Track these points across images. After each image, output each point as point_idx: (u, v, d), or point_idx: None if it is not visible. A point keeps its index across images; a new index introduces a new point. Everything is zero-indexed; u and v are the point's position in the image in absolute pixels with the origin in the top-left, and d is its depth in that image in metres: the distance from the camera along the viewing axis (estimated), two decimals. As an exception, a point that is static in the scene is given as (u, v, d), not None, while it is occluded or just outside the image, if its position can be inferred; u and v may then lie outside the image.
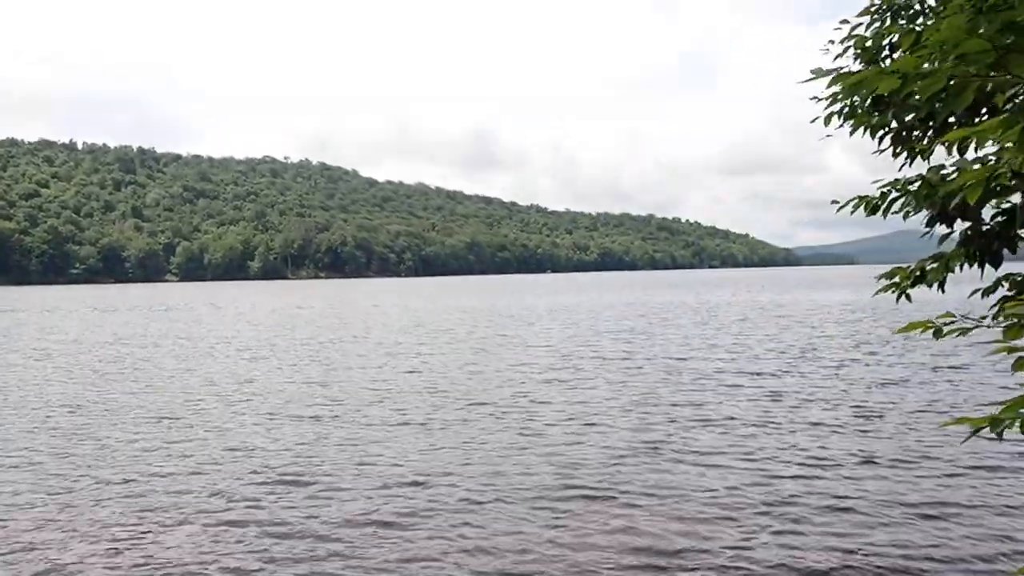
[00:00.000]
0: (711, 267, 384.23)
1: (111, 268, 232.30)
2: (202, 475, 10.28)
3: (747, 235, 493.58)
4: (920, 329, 4.28)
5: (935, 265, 5.33)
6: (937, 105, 3.58)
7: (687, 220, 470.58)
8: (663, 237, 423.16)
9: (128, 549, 7.70)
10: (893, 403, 14.10)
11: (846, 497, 8.65)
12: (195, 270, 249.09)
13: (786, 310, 43.62)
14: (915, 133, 5.65)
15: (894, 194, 4.96)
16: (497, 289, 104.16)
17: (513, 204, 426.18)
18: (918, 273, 5.39)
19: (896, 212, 5.27)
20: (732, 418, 13.12)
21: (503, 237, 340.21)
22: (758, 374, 18.23)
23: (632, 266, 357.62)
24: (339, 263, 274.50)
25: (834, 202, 5.06)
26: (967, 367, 18.10)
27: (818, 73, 4.33)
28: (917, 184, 4.91)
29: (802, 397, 14.99)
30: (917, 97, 5.46)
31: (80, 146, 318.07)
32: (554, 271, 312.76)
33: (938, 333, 4.25)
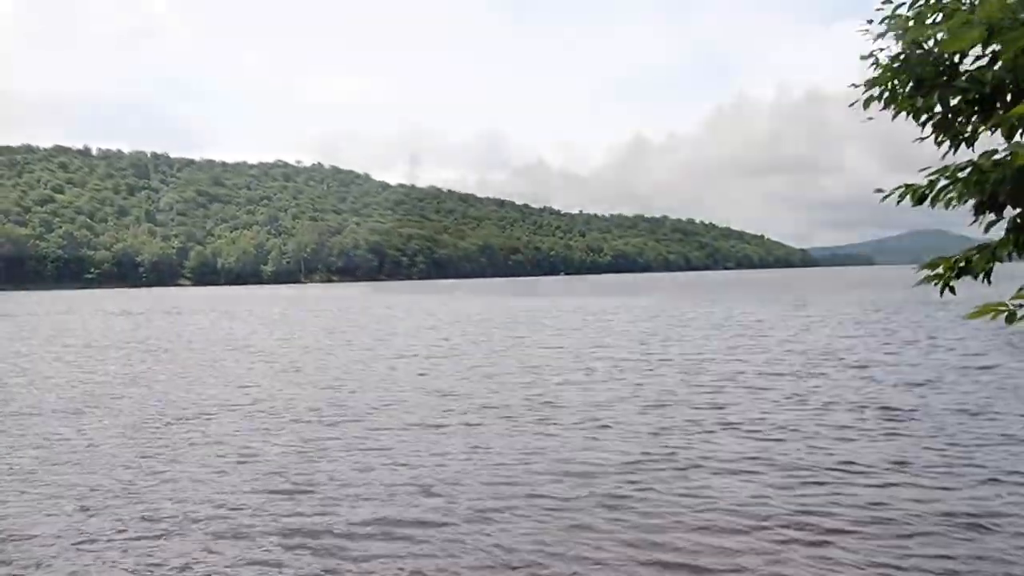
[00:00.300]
0: (726, 268, 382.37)
1: (125, 273, 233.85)
2: (208, 481, 9.97)
3: (762, 236, 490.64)
4: (991, 314, 3.90)
5: (980, 255, 4.96)
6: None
7: (701, 221, 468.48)
8: (677, 239, 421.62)
9: (131, 557, 7.44)
10: (921, 405, 13.64)
11: (880, 505, 8.23)
12: (208, 274, 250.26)
13: (804, 311, 43.07)
14: (959, 119, 5.29)
15: (943, 182, 4.58)
16: (509, 291, 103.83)
17: (526, 207, 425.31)
18: (963, 264, 5.01)
19: (940, 200, 4.91)
20: (755, 421, 12.70)
21: (516, 240, 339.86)
22: (780, 375, 17.78)
23: (646, 268, 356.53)
24: (352, 267, 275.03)
25: (878, 191, 4.68)
26: (995, 367, 17.61)
27: (892, 27, 3.95)
28: (968, 170, 4.54)
29: (826, 399, 14.54)
30: (964, 78, 5.09)
31: (95, 152, 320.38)
32: (568, 273, 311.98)
33: (1011, 318, 3.87)
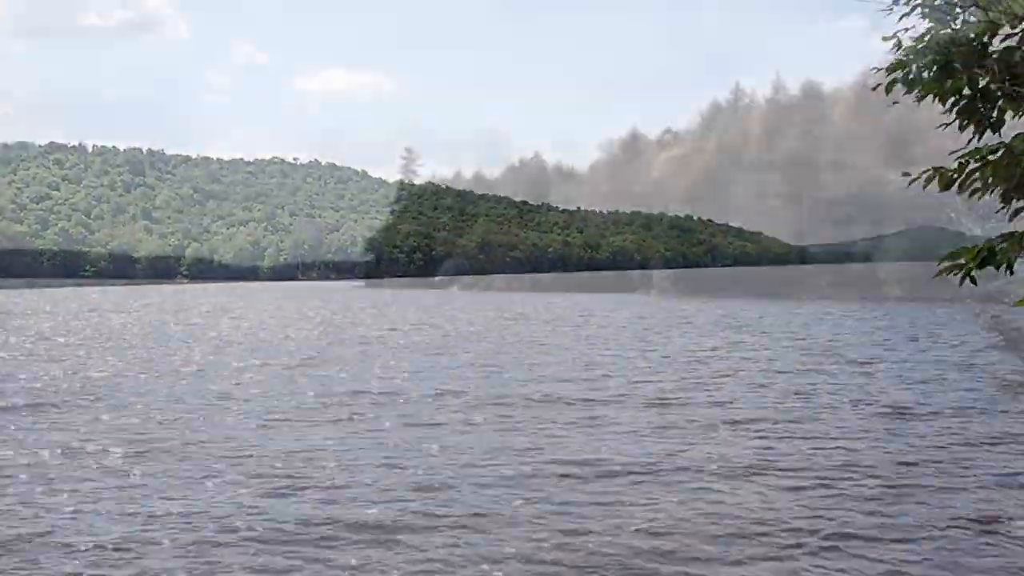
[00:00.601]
0: (724, 265, 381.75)
1: (122, 270, 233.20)
2: (200, 481, 9.65)
3: (760, 233, 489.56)
4: None
5: (1005, 244, 4.67)
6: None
7: (699, 218, 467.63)
8: (675, 235, 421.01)
9: (124, 559, 7.15)
10: (925, 404, 13.38)
11: (887, 507, 7.96)
12: (205, 271, 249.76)
13: (802, 309, 42.85)
14: (986, 103, 5.01)
15: (973, 164, 4.29)
16: (510, 289, 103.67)
17: (524, 203, 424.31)
18: (985, 253, 4.73)
19: (968, 187, 4.63)
20: (758, 420, 12.43)
21: (514, 236, 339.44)
22: (781, 373, 17.52)
23: (644, 264, 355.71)
24: (349, 263, 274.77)
25: (905, 174, 4.39)
26: (997, 364, 17.37)
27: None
28: (999, 153, 4.25)
29: (830, 398, 14.28)
30: (995, 58, 4.79)
31: (90, 149, 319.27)
32: (566, 270, 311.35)
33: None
